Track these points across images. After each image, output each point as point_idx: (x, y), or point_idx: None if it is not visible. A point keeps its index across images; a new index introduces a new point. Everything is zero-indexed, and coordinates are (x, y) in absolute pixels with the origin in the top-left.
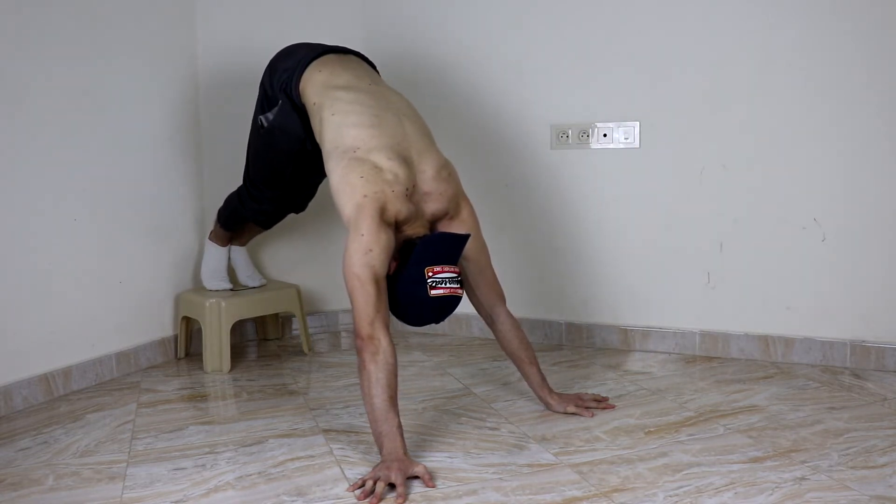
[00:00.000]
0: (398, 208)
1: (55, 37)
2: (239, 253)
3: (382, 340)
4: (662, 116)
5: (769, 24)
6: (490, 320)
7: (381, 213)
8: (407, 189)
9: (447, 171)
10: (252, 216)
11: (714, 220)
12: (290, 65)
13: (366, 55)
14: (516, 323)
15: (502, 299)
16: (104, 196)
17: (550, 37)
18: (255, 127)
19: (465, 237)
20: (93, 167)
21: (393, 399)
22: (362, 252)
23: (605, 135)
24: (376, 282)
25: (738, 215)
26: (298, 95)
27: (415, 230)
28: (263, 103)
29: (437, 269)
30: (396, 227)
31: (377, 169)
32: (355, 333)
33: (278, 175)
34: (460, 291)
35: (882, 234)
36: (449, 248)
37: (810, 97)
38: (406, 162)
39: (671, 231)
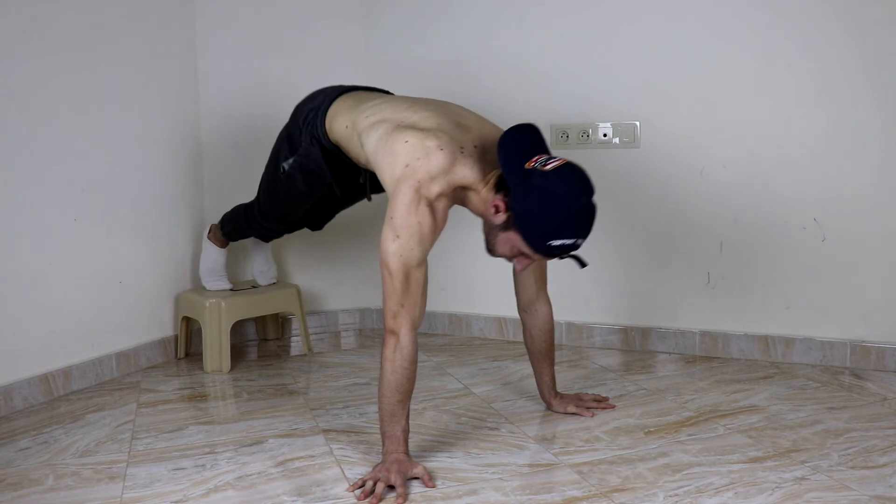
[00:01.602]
0: (443, 183)
1: (56, 37)
2: (261, 247)
3: (403, 338)
4: (662, 116)
5: (769, 24)
6: (529, 308)
7: (419, 189)
8: (462, 147)
9: None
10: (257, 235)
11: (714, 220)
12: (314, 104)
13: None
14: (552, 321)
15: (546, 289)
16: (104, 196)
17: (551, 37)
18: (275, 171)
19: (533, 125)
20: (93, 167)
21: (403, 402)
22: (391, 238)
23: (605, 135)
24: (406, 273)
25: (738, 215)
26: (325, 134)
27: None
28: (284, 148)
29: (535, 157)
30: (470, 189)
31: (423, 132)
32: (383, 321)
33: (291, 214)
34: (574, 163)
35: (882, 234)
36: (529, 135)
37: (810, 97)
38: (461, 126)
39: (671, 231)
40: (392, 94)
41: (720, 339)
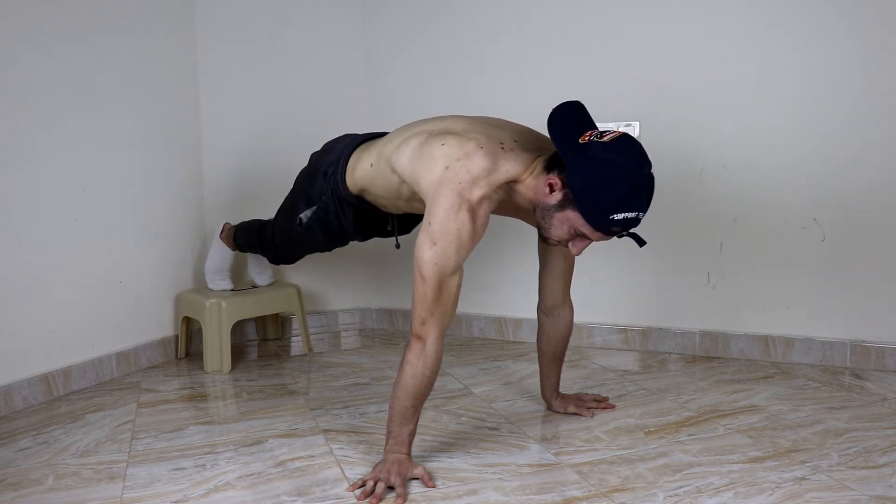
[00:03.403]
0: (491, 176)
1: (56, 37)
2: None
3: (429, 346)
4: (662, 116)
5: (769, 24)
6: (552, 312)
7: (463, 191)
8: (502, 143)
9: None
10: (266, 258)
11: (714, 220)
12: (333, 158)
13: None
14: (572, 325)
15: (569, 294)
16: (104, 196)
17: (550, 37)
18: (291, 220)
19: (577, 101)
20: (93, 167)
21: (417, 407)
22: (427, 245)
23: None
24: (440, 281)
25: (738, 215)
26: (346, 188)
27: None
28: (301, 200)
29: (587, 132)
30: (516, 181)
31: (461, 134)
32: (410, 324)
33: (306, 252)
34: (628, 134)
35: (882, 234)
36: (573, 113)
37: (810, 97)
38: (494, 126)
39: (671, 231)
40: None
41: (720, 339)
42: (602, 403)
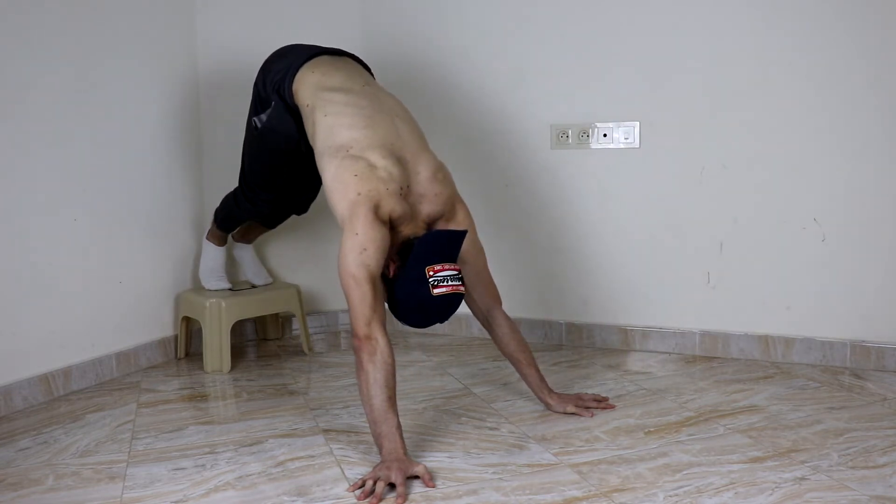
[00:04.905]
0: (392, 206)
1: (55, 36)
2: (245, 251)
3: (380, 340)
4: (662, 116)
5: (769, 24)
6: (487, 323)
7: (375, 210)
8: (401, 188)
9: (442, 174)
10: (248, 217)
11: (714, 220)
12: (283, 66)
13: (362, 57)
14: (513, 325)
15: (499, 302)
16: (104, 196)
17: (551, 37)
18: (250, 129)
19: (462, 233)
20: (93, 167)
21: (392, 399)
22: (357, 251)
23: (605, 135)
24: (372, 281)
25: (738, 215)
26: (291, 96)
27: (411, 230)
28: (257, 105)
29: (438, 267)
30: (392, 226)
31: (371, 167)
32: (353, 333)
33: (273, 177)
34: (462, 288)
35: (882, 233)
36: (447, 244)
37: (810, 97)
38: (400, 162)
39: (671, 231)
40: (356, 60)
41: (720, 339)
42: (602, 403)
